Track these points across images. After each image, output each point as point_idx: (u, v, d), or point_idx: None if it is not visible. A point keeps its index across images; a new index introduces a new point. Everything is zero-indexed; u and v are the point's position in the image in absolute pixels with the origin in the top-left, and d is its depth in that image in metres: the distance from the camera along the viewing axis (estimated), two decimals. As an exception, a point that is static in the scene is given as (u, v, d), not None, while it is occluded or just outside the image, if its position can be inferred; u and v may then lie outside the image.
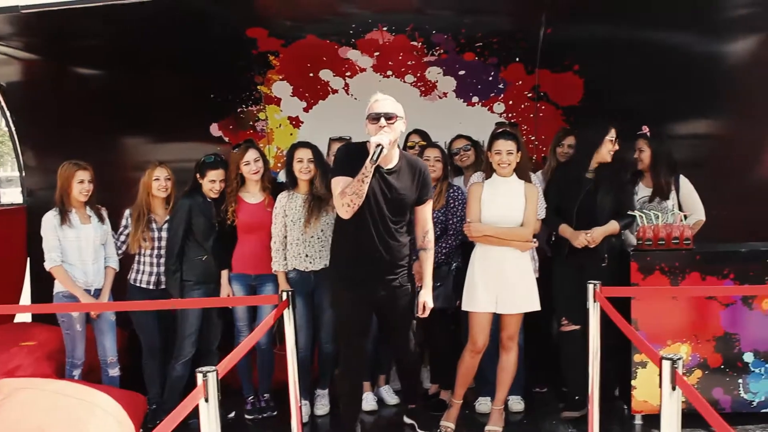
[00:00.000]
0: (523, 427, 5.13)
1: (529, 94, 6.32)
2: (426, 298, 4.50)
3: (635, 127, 5.45)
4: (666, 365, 2.96)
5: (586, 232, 4.99)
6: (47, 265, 5.17)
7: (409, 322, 4.63)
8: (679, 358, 2.95)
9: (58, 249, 5.15)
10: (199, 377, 3.12)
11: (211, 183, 5.25)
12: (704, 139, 6.40)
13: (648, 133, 5.34)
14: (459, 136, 5.66)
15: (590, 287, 4.38)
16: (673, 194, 5.32)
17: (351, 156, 4.26)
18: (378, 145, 4.05)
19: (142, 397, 5.30)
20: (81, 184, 5.21)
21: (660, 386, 3.01)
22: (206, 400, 3.13)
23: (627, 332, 3.75)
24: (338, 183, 4.22)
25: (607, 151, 5.07)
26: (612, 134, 5.07)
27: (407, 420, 5.11)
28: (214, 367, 3.17)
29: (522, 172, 4.90)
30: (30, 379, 5.07)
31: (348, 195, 4.13)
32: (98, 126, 6.41)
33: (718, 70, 6.06)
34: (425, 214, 4.51)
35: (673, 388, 2.96)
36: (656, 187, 5.30)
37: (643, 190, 5.36)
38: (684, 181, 5.38)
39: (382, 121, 4.17)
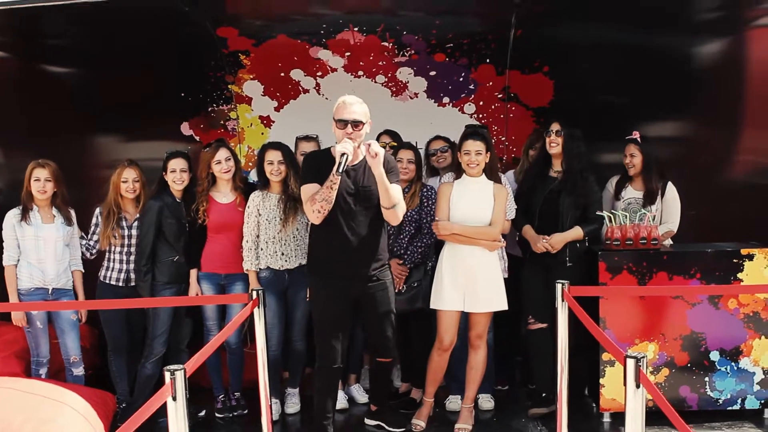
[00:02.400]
0: (493, 426, 5.17)
1: (500, 95, 6.35)
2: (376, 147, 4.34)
3: (604, 129, 5.52)
4: (630, 363, 3.00)
5: (544, 238, 5.05)
6: (3, 263, 5.19)
7: (389, 320, 4.68)
8: (642, 357, 2.99)
9: (15, 248, 5.15)
10: (167, 375, 3.13)
11: (173, 173, 5.25)
12: (674, 141, 6.43)
13: (639, 138, 5.35)
14: (437, 137, 5.67)
15: (558, 287, 4.43)
16: (658, 198, 5.38)
17: (317, 163, 4.45)
18: (343, 155, 4.20)
19: (111, 396, 5.29)
20: (37, 182, 5.17)
21: (624, 384, 3.05)
22: (174, 399, 3.15)
23: (593, 331, 3.79)
24: (307, 190, 4.40)
25: (547, 143, 5.15)
26: (551, 128, 5.13)
27: (370, 422, 5.13)
28: (181, 366, 3.19)
29: (491, 172, 4.95)
30: (-3, 378, 5.05)
31: (318, 202, 4.29)
32: (68, 125, 6.35)
33: (687, 72, 6.11)
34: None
35: (638, 386, 3.00)
36: (648, 191, 5.34)
37: (630, 192, 5.40)
38: (670, 188, 5.42)
39: (349, 128, 4.33)
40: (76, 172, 5.89)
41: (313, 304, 4.75)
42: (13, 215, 5.17)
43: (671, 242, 5.36)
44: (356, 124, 4.34)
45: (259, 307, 4.66)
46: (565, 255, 5.09)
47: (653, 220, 5.08)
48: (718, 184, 6.27)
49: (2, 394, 4.76)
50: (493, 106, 6.39)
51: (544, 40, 5.92)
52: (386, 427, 5.01)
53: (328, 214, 4.36)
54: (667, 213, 5.37)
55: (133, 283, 5.34)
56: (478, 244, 4.84)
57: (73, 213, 5.35)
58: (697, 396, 5.03)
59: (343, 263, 4.47)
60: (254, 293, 4.66)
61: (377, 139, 5.74)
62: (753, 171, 6.09)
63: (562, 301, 4.42)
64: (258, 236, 5.22)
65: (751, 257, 4.94)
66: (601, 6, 5.45)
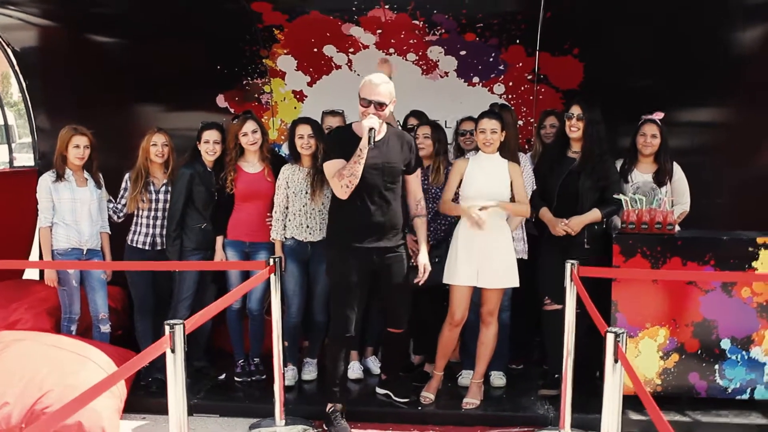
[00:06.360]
0: (502, 402, 5.22)
1: (529, 77, 6.34)
2: (424, 261, 4.74)
3: (635, 112, 5.51)
4: (610, 338, 3.05)
5: (563, 221, 5.07)
6: (38, 224, 5.41)
7: (405, 291, 4.81)
8: (622, 332, 3.04)
9: (50, 210, 5.35)
10: (167, 329, 3.29)
11: (206, 144, 5.42)
12: (705, 127, 6.39)
13: (659, 120, 5.35)
14: (469, 118, 5.67)
15: (568, 266, 4.49)
16: (667, 181, 5.36)
17: (341, 140, 4.63)
18: (371, 129, 4.40)
19: (135, 355, 5.46)
20: (76, 149, 5.37)
21: (604, 360, 3.10)
22: (172, 351, 3.30)
23: (588, 308, 3.84)
24: (333, 166, 4.55)
25: (567, 127, 5.12)
26: (572, 111, 5.10)
27: (380, 390, 5.25)
28: (181, 321, 3.34)
29: (509, 152, 5.00)
30: (28, 332, 5.29)
31: (346, 177, 4.45)
32: (109, 92, 6.59)
33: (724, 57, 6.03)
34: (416, 183, 4.84)
35: (616, 362, 3.05)
36: (660, 172, 5.32)
37: (638, 176, 5.38)
38: (677, 168, 5.40)
39: (372, 108, 4.50)
40: (114, 139, 6.09)
41: (330, 274, 4.86)
42: (48, 178, 5.38)
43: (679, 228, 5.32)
44: (379, 104, 4.51)
45: (275, 275, 4.83)
46: (584, 237, 5.12)
47: (670, 205, 5.06)
48: (750, 172, 6.21)
49: (30, 347, 5.00)
50: (522, 87, 6.39)
51: (575, 21, 5.91)
52: (393, 397, 5.13)
53: (355, 191, 4.51)
54: (678, 194, 5.35)
55: (159, 247, 5.54)
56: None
57: (101, 177, 5.56)
58: (707, 383, 5.00)
59: (365, 236, 4.60)
60: (272, 260, 4.83)
61: (405, 121, 5.83)
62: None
63: (571, 281, 4.48)
64: (287, 208, 5.35)
65: (767, 246, 4.89)
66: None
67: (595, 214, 5.07)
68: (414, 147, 4.83)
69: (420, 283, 4.76)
